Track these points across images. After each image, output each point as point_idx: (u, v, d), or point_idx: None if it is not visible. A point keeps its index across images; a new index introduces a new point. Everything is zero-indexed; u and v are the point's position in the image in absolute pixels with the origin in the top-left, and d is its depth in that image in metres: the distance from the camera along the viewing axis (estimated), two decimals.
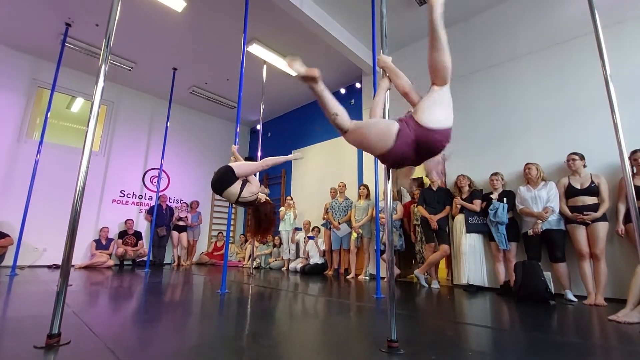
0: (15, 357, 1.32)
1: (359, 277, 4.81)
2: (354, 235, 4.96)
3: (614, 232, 3.02)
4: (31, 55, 5.84)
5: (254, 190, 2.99)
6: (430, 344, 1.65)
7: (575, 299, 3.01)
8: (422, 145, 1.48)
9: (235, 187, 2.92)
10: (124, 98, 6.97)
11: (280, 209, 6.43)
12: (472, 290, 3.65)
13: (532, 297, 2.95)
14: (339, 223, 5.19)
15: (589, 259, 3.05)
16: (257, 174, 3.23)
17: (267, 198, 3.19)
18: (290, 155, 3.65)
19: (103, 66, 1.77)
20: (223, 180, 2.98)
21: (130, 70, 6.21)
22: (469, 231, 3.83)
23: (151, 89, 7.11)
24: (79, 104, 6.69)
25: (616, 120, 2.13)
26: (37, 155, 4.75)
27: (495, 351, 1.62)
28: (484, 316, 2.49)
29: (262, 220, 3.05)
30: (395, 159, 1.55)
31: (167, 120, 6.29)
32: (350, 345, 1.69)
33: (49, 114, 4.94)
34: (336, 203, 5.40)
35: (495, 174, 3.79)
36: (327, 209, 5.49)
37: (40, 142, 4.83)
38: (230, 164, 3.04)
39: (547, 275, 3.01)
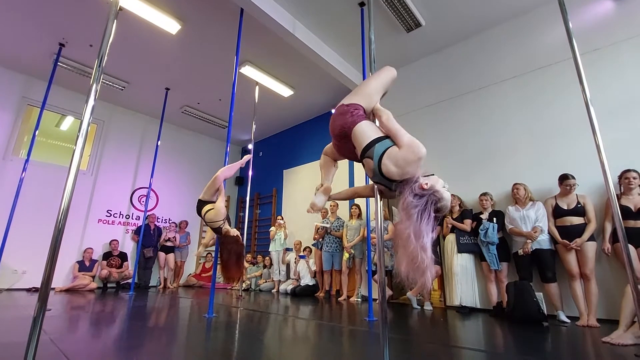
0: None
1: (351, 299, 4.72)
2: (346, 255, 4.91)
3: (601, 251, 3.05)
4: (22, 74, 5.82)
5: (215, 218, 2.94)
6: None
7: (568, 320, 2.99)
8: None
9: (206, 209, 3.05)
10: (115, 117, 6.94)
11: (271, 229, 6.35)
12: (465, 311, 3.60)
13: (525, 318, 2.92)
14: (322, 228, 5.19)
15: (580, 279, 3.06)
16: (223, 198, 3.17)
17: (237, 235, 2.96)
18: (241, 160, 3.60)
19: (94, 85, 1.76)
20: (198, 211, 3.14)
21: (122, 89, 6.22)
22: (460, 251, 3.82)
23: (143, 108, 7.11)
24: (68, 122, 6.64)
25: (598, 142, 2.20)
26: (22, 174, 4.64)
27: None
28: (477, 339, 2.45)
29: (225, 258, 2.79)
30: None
31: (158, 139, 6.27)
32: None
33: (37, 132, 4.87)
34: (327, 222, 5.37)
35: (485, 194, 3.83)
36: (318, 229, 5.44)
37: (27, 160, 4.74)
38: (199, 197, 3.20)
39: (539, 295, 3.00)
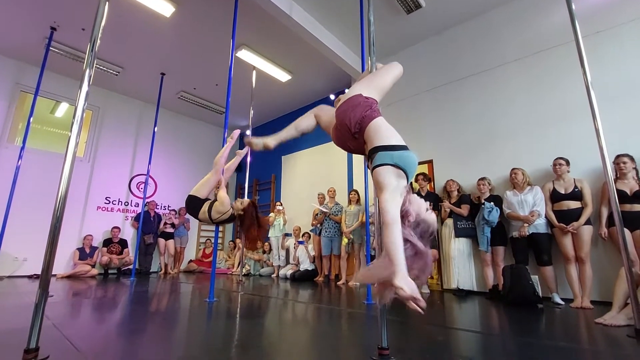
0: None
1: (350, 283, 4.79)
2: (345, 240, 4.95)
3: (597, 235, 3.09)
4: (14, 59, 5.70)
5: (222, 209, 2.85)
6: (420, 351, 1.64)
7: (562, 302, 3.05)
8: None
9: (204, 210, 2.89)
10: (110, 103, 6.84)
11: (270, 215, 6.38)
12: (462, 294, 3.66)
13: (520, 300, 2.97)
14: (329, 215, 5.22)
15: (575, 262, 3.11)
16: (226, 186, 3.05)
17: (244, 200, 3.00)
18: (230, 141, 3.41)
19: (88, 70, 1.72)
20: (191, 208, 2.97)
21: (117, 75, 6.11)
22: (457, 235, 3.86)
23: (138, 93, 7.01)
24: (63, 109, 6.54)
25: (598, 126, 2.19)
26: (18, 161, 4.61)
27: (485, 356, 1.62)
28: (473, 321, 2.50)
29: (251, 225, 2.92)
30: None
31: (155, 126, 6.20)
32: (341, 353, 1.67)
33: (31, 118, 4.81)
34: (326, 208, 5.39)
35: (483, 178, 3.84)
36: (317, 214, 5.47)
37: (22, 148, 4.70)
38: (190, 192, 3.02)
39: (535, 278, 3.05)
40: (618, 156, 2.96)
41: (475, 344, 1.83)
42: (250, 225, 2.90)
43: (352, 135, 1.44)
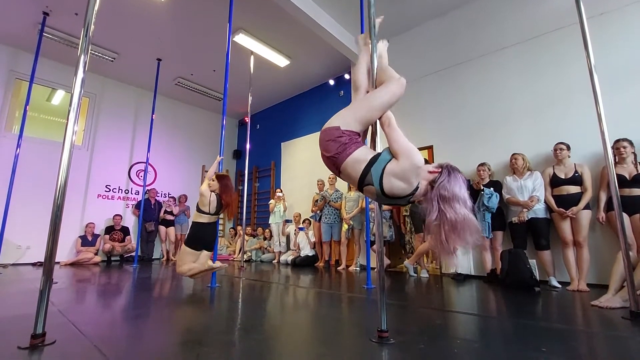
0: None
1: (350, 268, 4.85)
2: (345, 226, 4.99)
3: (595, 219, 3.11)
4: (8, 46, 5.60)
5: (204, 199, 3.07)
6: (419, 333, 1.67)
7: (559, 285, 3.10)
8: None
9: (197, 218, 3.08)
10: (107, 90, 6.77)
11: (270, 202, 6.40)
12: (460, 278, 3.72)
13: (518, 284, 3.02)
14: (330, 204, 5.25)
15: (573, 247, 3.14)
16: (206, 181, 3.20)
17: (212, 177, 3.19)
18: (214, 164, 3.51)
19: (82, 56, 1.70)
20: (202, 233, 3.10)
21: (112, 61, 6.02)
22: None
23: (135, 80, 6.92)
24: (59, 96, 6.46)
25: (600, 110, 2.17)
26: (17, 150, 4.59)
27: (482, 338, 1.65)
28: (471, 304, 2.54)
29: (224, 194, 3.15)
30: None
31: (153, 113, 6.15)
32: (341, 336, 1.70)
33: (28, 106, 4.76)
34: (326, 194, 5.41)
35: (483, 164, 3.84)
36: (316, 200, 5.49)
37: (20, 136, 4.67)
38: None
39: (532, 262, 3.09)
40: (617, 141, 2.95)
41: (472, 326, 1.87)
42: (230, 192, 3.18)
43: (332, 165, 1.48)
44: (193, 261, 2.95)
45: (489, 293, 2.92)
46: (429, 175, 1.32)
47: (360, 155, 1.37)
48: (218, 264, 3.13)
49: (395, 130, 1.38)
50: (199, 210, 3.08)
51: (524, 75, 3.97)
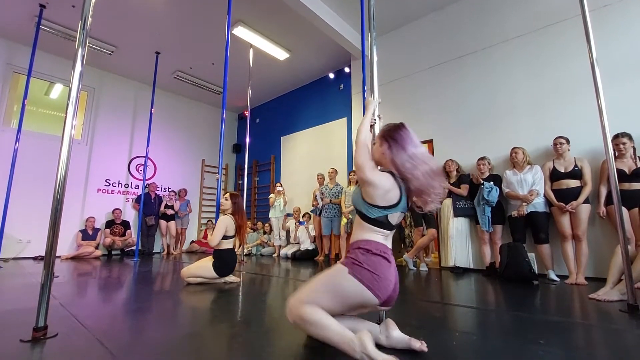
0: (2, 351, 1.30)
1: None
2: (344, 220, 5.00)
3: (595, 214, 3.12)
4: (5, 39, 5.55)
5: (218, 233, 3.03)
6: (418, 326, 1.69)
7: (557, 279, 3.12)
8: None
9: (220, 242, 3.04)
10: (105, 84, 6.73)
11: (270, 196, 6.41)
12: (459, 272, 3.74)
13: (517, 277, 3.04)
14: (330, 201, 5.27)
15: (572, 240, 3.15)
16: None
17: (230, 197, 3.20)
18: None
19: (80, 49, 1.68)
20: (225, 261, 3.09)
21: (110, 54, 5.98)
22: (456, 215, 3.90)
23: (134, 74, 6.88)
24: (58, 90, 6.43)
25: (601, 104, 2.16)
26: (15, 144, 4.58)
27: (480, 331, 1.67)
28: (469, 297, 2.56)
29: (237, 214, 3.19)
30: None
31: (152, 107, 6.12)
32: None
33: (26, 100, 4.74)
34: (326, 189, 5.41)
35: (483, 158, 3.83)
36: (316, 195, 5.50)
37: (19, 130, 4.65)
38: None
39: (531, 256, 3.10)
40: (616, 136, 2.94)
41: (470, 319, 1.89)
42: (243, 213, 3.23)
43: None
44: (203, 276, 2.96)
45: (488, 286, 2.94)
46: (378, 153, 1.41)
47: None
48: (233, 278, 3.11)
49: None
50: (225, 236, 3.04)
51: (525, 68, 3.95)
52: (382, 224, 1.32)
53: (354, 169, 5.26)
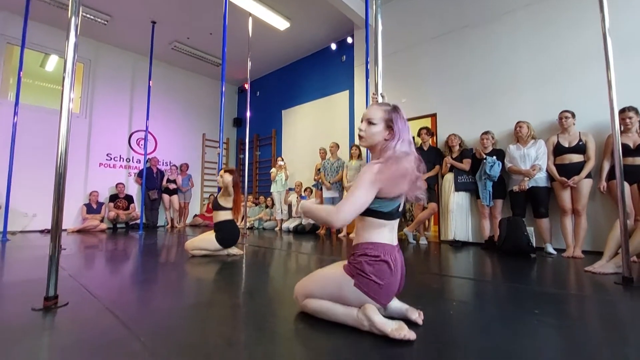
0: (15, 319, 1.35)
1: (350, 235, 4.95)
2: (345, 194, 5.02)
3: (596, 188, 3.12)
4: None
5: (227, 203, 3.08)
6: (416, 296, 1.73)
7: (554, 252, 3.18)
8: None
9: (222, 211, 3.10)
10: (101, 55, 6.56)
11: (272, 171, 6.41)
12: (458, 245, 3.80)
13: (514, 250, 3.09)
14: (331, 183, 5.24)
15: (571, 215, 3.18)
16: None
17: (227, 173, 3.12)
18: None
19: (73, 18, 1.62)
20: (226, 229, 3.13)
21: (105, 24, 5.78)
22: (457, 189, 3.91)
23: (130, 45, 6.69)
24: (53, 62, 6.28)
25: (610, 77, 2.10)
26: (14, 118, 4.53)
27: (477, 301, 1.72)
28: (467, 269, 2.62)
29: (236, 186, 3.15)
30: None
31: (150, 79, 6.00)
32: None
33: (22, 72, 4.64)
34: (328, 163, 5.40)
35: (486, 132, 3.79)
36: (319, 169, 5.50)
37: (16, 104, 4.59)
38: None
39: (530, 230, 3.14)
40: (623, 110, 2.88)
41: (468, 290, 1.94)
42: (239, 188, 3.18)
43: None
44: (207, 248, 3.01)
45: (486, 259, 3.00)
46: (380, 136, 1.28)
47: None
48: (236, 250, 3.16)
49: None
50: (223, 208, 3.07)
51: (531, 40, 3.81)
52: (392, 215, 1.26)
53: (356, 143, 5.23)
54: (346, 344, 1.10)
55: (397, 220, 1.32)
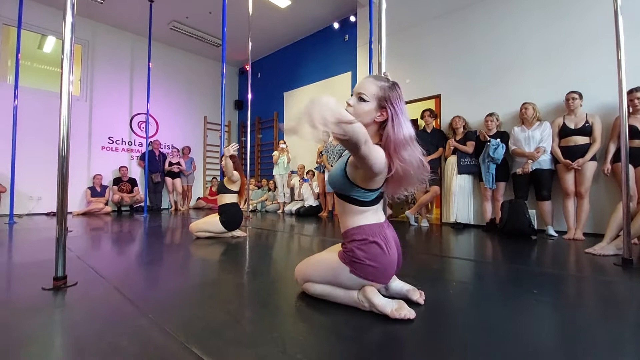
0: (26, 299, 1.39)
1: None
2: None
3: (600, 171, 3.11)
4: None
5: (231, 175, 3.06)
6: (417, 276, 1.76)
7: (555, 234, 3.19)
8: None
9: (227, 192, 3.11)
10: (99, 35, 6.45)
11: (274, 153, 6.40)
12: (459, 227, 3.83)
13: (516, 232, 3.11)
14: (332, 166, 5.24)
15: (574, 197, 3.17)
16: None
17: (228, 154, 3.10)
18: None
19: None
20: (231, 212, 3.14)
21: (102, 3, 5.66)
22: (460, 172, 3.90)
23: (128, 25, 6.56)
24: (50, 43, 6.18)
25: (620, 57, 2.05)
26: (14, 101, 4.51)
27: (477, 281, 1.74)
28: (468, 250, 2.65)
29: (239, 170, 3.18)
30: None
31: (149, 61, 5.90)
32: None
33: (19, 55, 4.58)
34: (330, 146, 5.38)
35: (491, 114, 3.74)
36: (321, 152, 5.48)
37: (16, 87, 4.56)
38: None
39: (532, 212, 3.14)
40: (631, 91, 2.82)
41: (468, 271, 1.97)
42: (242, 171, 3.21)
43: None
44: (211, 230, 3.04)
45: (487, 241, 3.03)
46: (367, 117, 1.12)
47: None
48: (239, 232, 3.20)
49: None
50: (229, 191, 3.09)
51: (539, 18, 3.70)
52: (375, 200, 1.23)
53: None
54: (347, 320, 1.13)
55: (381, 201, 1.28)
